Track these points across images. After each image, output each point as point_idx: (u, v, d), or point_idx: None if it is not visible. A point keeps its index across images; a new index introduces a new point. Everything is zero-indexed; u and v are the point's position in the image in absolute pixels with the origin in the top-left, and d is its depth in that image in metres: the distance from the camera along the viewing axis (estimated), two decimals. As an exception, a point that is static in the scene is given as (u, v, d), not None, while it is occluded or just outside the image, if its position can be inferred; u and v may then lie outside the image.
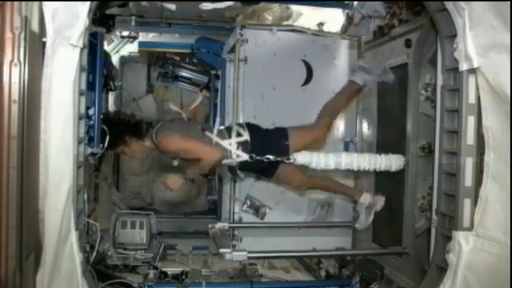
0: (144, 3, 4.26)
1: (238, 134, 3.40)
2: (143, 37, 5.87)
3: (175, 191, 3.55)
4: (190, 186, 6.03)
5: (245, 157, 3.33)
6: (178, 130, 3.37)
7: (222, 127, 3.64)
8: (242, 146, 3.36)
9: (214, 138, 3.37)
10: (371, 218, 3.61)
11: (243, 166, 3.43)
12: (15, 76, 2.08)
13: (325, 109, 3.63)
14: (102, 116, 3.17)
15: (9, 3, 2.05)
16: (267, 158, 3.29)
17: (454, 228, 2.55)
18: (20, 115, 2.09)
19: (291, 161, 3.25)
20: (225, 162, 3.39)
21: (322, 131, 3.58)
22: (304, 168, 3.39)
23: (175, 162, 3.51)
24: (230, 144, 3.36)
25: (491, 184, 2.36)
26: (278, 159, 3.30)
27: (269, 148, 3.33)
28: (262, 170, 3.65)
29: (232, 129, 3.47)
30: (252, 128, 3.48)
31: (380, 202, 3.59)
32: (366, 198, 3.63)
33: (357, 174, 4.19)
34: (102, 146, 3.13)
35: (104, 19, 3.81)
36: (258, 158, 3.30)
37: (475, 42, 2.37)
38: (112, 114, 3.73)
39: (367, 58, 4.13)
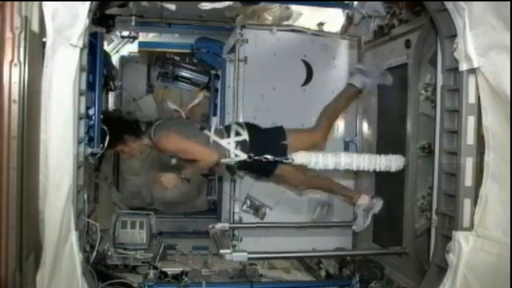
0: (144, 3, 4.26)
1: (237, 134, 3.38)
2: (143, 37, 5.89)
3: (172, 190, 3.54)
4: (190, 186, 6.04)
5: (243, 156, 3.30)
6: (176, 129, 3.34)
7: (220, 126, 3.62)
8: (241, 145, 3.34)
9: (213, 136, 3.35)
10: (369, 220, 3.54)
11: (242, 165, 3.42)
12: (15, 76, 2.08)
13: (324, 112, 3.60)
14: (101, 116, 3.17)
15: (9, 3, 2.05)
16: (266, 158, 3.27)
17: (454, 228, 2.56)
18: (20, 115, 2.09)
19: (289, 161, 3.24)
20: (223, 161, 3.38)
21: (321, 134, 3.55)
22: (303, 168, 3.39)
23: (174, 160, 3.51)
24: (229, 143, 3.34)
25: (491, 184, 2.36)
26: (277, 159, 3.29)
27: (268, 148, 3.31)
28: (260, 170, 3.63)
29: (231, 128, 3.45)
30: (251, 127, 3.46)
31: (378, 205, 3.53)
32: (363, 200, 3.57)
33: (357, 174, 4.19)
34: (102, 146, 3.13)
35: (104, 19, 3.81)
36: (256, 157, 3.29)
37: (475, 41, 2.37)
38: (111, 113, 3.72)
39: (367, 59, 4.13)
